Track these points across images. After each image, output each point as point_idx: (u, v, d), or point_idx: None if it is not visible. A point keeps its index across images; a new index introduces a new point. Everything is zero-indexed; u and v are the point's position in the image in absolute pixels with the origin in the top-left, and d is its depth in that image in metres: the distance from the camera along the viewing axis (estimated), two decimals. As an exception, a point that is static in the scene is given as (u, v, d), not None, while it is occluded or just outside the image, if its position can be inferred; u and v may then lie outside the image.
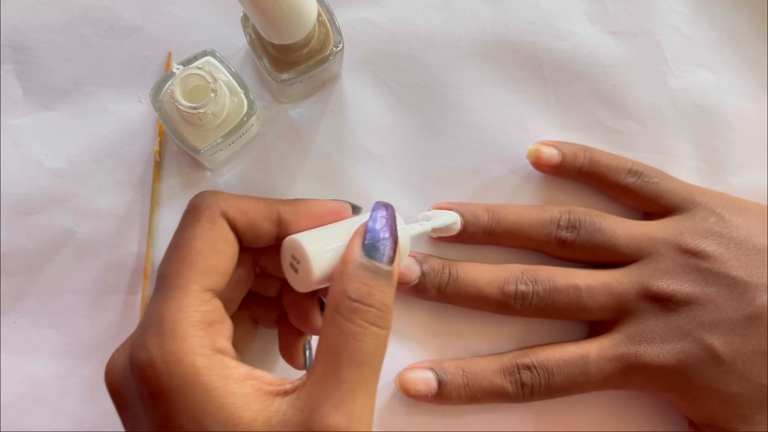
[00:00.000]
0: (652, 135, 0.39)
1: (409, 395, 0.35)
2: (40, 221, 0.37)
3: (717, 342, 0.33)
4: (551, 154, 0.37)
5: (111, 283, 0.37)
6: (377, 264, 0.26)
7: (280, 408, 0.25)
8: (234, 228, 0.29)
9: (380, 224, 0.27)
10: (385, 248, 0.27)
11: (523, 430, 0.37)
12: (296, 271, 0.29)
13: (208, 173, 0.38)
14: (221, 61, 0.34)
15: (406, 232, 0.31)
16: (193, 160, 0.38)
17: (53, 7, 0.39)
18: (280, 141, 0.38)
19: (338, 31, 0.34)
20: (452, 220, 0.36)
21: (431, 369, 0.35)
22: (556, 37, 0.40)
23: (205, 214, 0.28)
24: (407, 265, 0.36)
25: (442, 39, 0.39)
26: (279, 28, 0.31)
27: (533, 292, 0.35)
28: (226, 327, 0.28)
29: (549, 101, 0.40)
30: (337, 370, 0.25)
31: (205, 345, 0.26)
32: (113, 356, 0.28)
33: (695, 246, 0.34)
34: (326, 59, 0.34)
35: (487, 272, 0.36)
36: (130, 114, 0.38)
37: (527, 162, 0.38)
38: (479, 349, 0.37)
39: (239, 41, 0.38)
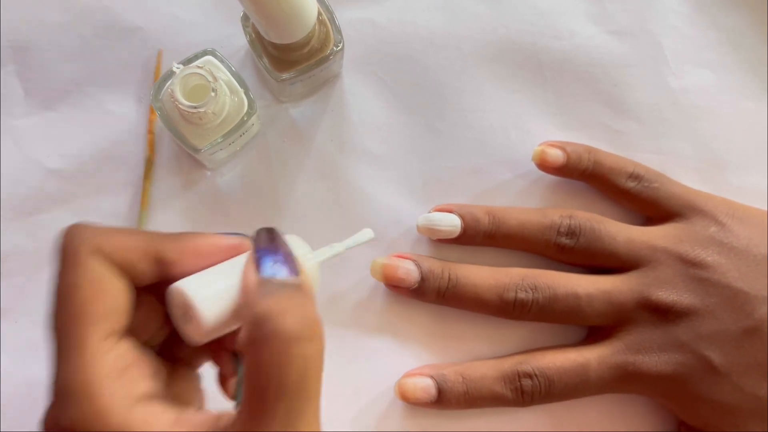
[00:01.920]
0: (652, 135, 0.39)
1: (408, 402, 0.35)
2: (40, 221, 0.37)
3: (714, 354, 0.33)
4: (556, 155, 0.37)
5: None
6: (281, 279, 0.23)
7: None
8: (113, 265, 0.25)
9: (266, 243, 0.25)
10: (282, 261, 0.24)
11: (522, 431, 0.37)
12: (188, 321, 0.25)
13: (208, 173, 0.38)
14: (221, 61, 0.34)
15: (314, 256, 0.28)
16: (193, 160, 0.38)
17: (53, 8, 0.39)
18: (281, 140, 0.38)
19: (338, 31, 0.34)
20: (367, 237, 0.31)
21: (431, 377, 0.35)
22: (557, 38, 0.40)
23: (79, 256, 0.24)
24: (407, 270, 0.36)
25: (442, 39, 0.39)
26: (279, 28, 0.31)
27: (533, 300, 0.35)
28: (146, 365, 0.25)
29: (549, 101, 0.40)
30: (266, 406, 0.22)
31: (121, 397, 0.23)
32: (45, 420, 0.25)
33: (695, 256, 0.34)
34: (326, 59, 0.34)
35: (487, 277, 0.35)
36: (130, 114, 0.38)
37: (528, 162, 0.38)
38: (480, 351, 0.37)
39: (239, 41, 0.38)
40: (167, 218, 0.37)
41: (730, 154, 0.39)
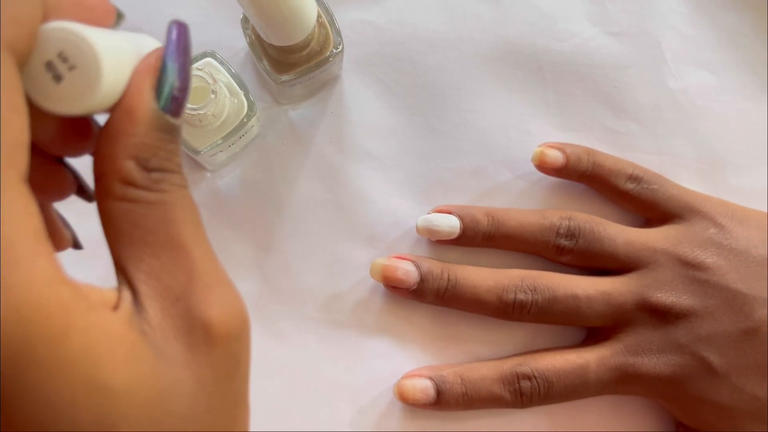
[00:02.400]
0: (652, 136, 0.39)
1: (407, 403, 0.35)
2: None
3: (713, 356, 0.33)
4: (556, 156, 0.37)
5: (111, 283, 0.37)
6: (171, 121, 0.19)
7: (139, 318, 0.18)
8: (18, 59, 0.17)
9: (180, 62, 0.19)
10: (183, 99, 0.19)
11: (522, 431, 0.37)
12: (59, 77, 0.17)
13: (208, 174, 0.38)
14: (221, 63, 0.34)
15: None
16: (192, 161, 0.38)
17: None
18: (280, 142, 0.38)
19: (338, 33, 0.34)
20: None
21: (430, 378, 0.35)
22: (557, 39, 0.40)
23: None
24: (406, 270, 0.36)
25: (442, 40, 0.39)
26: (279, 30, 0.31)
27: (532, 302, 0.35)
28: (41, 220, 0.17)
29: (549, 102, 0.40)
30: (175, 243, 0.18)
31: (56, 269, 0.16)
32: None
33: (695, 257, 0.34)
34: (326, 61, 0.34)
35: (487, 278, 0.35)
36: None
37: (528, 163, 0.38)
38: (479, 352, 0.37)
39: (239, 43, 0.38)
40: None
41: (730, 154, 0.39)
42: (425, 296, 0.36)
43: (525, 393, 0.34)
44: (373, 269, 0.36)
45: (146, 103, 0.19)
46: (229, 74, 0.34)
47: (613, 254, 0.35)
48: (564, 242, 0.36)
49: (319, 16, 0.33)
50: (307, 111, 0.39)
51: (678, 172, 0.39)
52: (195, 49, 0.34)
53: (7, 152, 0.16)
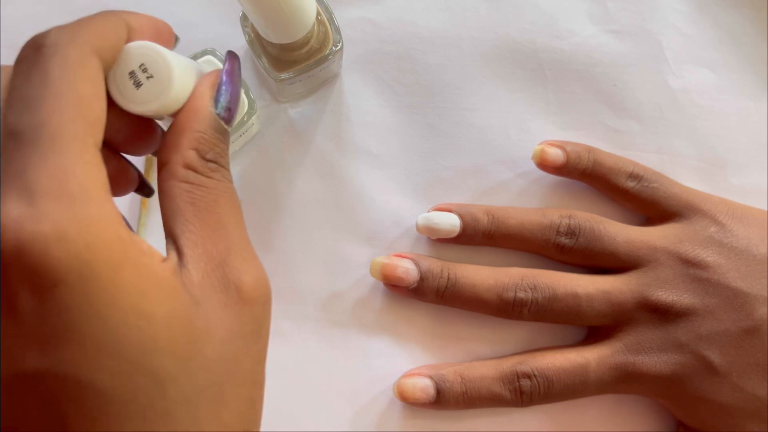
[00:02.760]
0: (652, 134, 0.39)
1: (407, 402, 0.35)
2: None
3: (713, 354, 0.33)
4: (556, 155, 0.37)
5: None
6: (225, 126, 0.24)
7: (183, 274, 0.21)
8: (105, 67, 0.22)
9: (234, 82, 0.25)
10: (234, 110, 0.25)
11: (522, 431, 0.37)
12: (139, 84, 0.23)
13: (208, 173, 0.38)
14: (221, 61, 0.34)
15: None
16: (192, 160, 0.38)
17: (53, 8, 0.39)
18: (280, 140, 0.38)
19: (338, 31, 0.34)
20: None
21: (429, 377, 0.35)
22: (557, 37, 0.40)
23: (76, 54, 0.20)
24: (406, 269, 0.36)
25: (442, 38, 0.39)
26: (278, 28, 0.31)
27: (532, 300, 0.35)
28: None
29: (549, 101, 0.40)
30: (221, 221, 0.22)
31: (119, 215, 0.20)
32: None
33: (695, 256, 0.34)
34: (326, 58, 0.34)
35: (487, 277, 0.35)
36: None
37: (528, 162, 0.38)
38: (479, 351, 0.37)
39: (238, 40, 0.38)
40: (166, 218, 0.37)
41: (731, 153, 0.39)
42: (425, 295, 0.36)
43: (525, 392, 0.34)
44: (373, 268, 0.36)
45: (208, 107, 0.23)
46: (229, 72, 0.34)
47: (614, 252, 0.35)
48: (564, 240, 0.36)
49: (318, 13, 0.33)
50: (307, 109, 0.39)
51: (678, 170, 0.39)
52: (195, 47, 0.34)
53: (89, 125, 0.20)
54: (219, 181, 0.23)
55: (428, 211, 0.37)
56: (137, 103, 0.23)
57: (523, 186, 0.39)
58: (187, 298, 0.20)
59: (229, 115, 0.24)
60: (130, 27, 0.23)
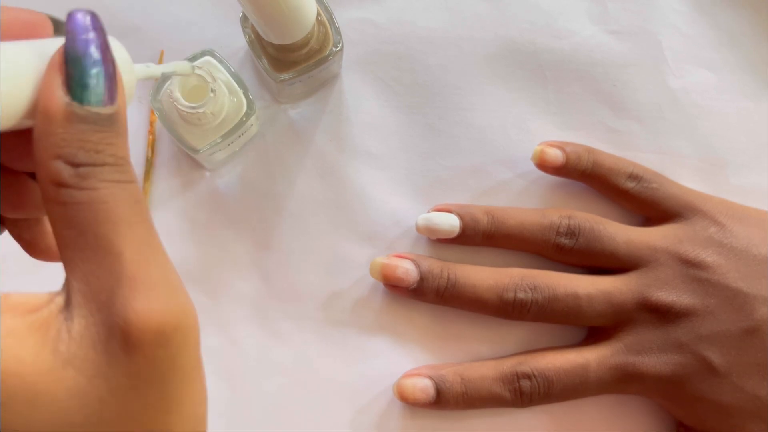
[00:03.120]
0: (652, 135, 0.39)
1: (407, 402, 0.35)
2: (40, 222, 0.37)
3: (713, 354, 0.33)
4: (556, 155, 0.37)
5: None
6: (92, 109, 0.18)
7: (61, 326, 0.18)
8: None
9: (84, 45, 0.18)
10: (100, 82, 0.18)
11: (522, 431, 0.37)
12: None
13: (207, 173, 0.38)
14: (220, 61, 0.34)
15: (129, 64, 0.21)
16: (192, 160, 0.38)
17: (52, 8, 0.39)
18: (280, 141, 0.38)
19: (338, 31, 0.34)
20: (184, 69, 0.28)
21: (429, 377, 0.35)
22: (557, 37, 0.40)
23: None
24: (406, 269, 0.36)
25: (442, 39, 0.39)
26: (278, 28, 0.31)
27: (532, 300, 0.35)
28: None
29: (549, 101, 0.40)
30: (106, 244, 0.18)
31: None
32: None
33: (695, 256, 0.34)
34: (326, 59, 0.34)
35: (487, 277, 0.35)
36: (129, 114, 0.38)
37: (528, 162, 0.38)
38: (479, 351, 0.37)
39: (238, 41, 0.38)
40: (166, 218, 0.37)
41: (731, 153, 0.39)
42: (425, 295, 0.36)
43: (525, 392, 0.34)
44: (373, 268, 0.36)
45: (57, 99, 0.18)
46: (228, 73, 0.34)
47: (614, 253, 0.35)
48: (564, 241, 0.36)
49: (318, 14, 0.33)
50: (307, 110, 0.39)
51: (678, 171, 0.39)
52: (194, 47, 0.34)
53: None
54: (97, 189, 0.18)
55: (428, 212, 0.37)
56: None
57: (523, 186, 0.39)
58: (47, 360, 0.17)
59: (96, 91, 0.18)
60: None
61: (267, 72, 0.34)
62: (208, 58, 0.34)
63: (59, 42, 0.19)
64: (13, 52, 0.18)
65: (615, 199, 0.38)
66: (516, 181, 0.39)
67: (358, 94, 0.39)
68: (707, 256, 0.34)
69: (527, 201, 0.39)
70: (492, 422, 0.37)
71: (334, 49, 0.34)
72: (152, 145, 0.38)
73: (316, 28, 0.33)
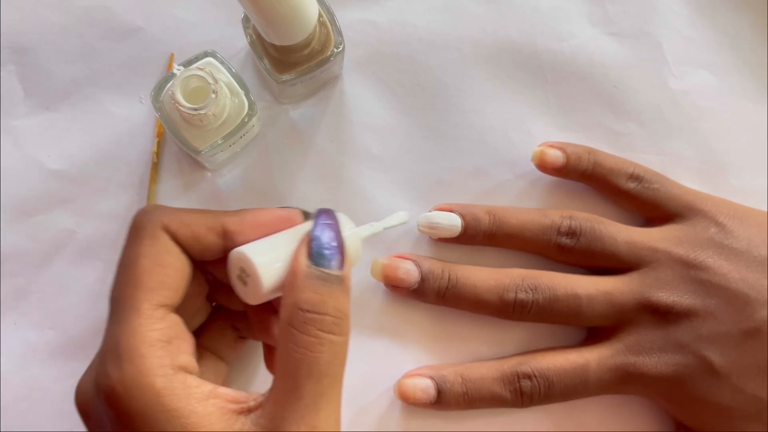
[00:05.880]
0: (652, 136, 0.39)
1: (407, 402, 0.35)
2: (40, 222, 0.37)
3: (714, 355, 0.33)
4: (556, 156, 0.37)
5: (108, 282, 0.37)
6: (326, 271, 0.26)
7: (243, 427, 0.25)
8: (178, 242, 0.28)
9: (323, 230, 0.27)
10: (333, 254, 0.27)
11: (522, 431, 0.37)
12: (245, 283, 0.28)
13: (209, 174, 0.38)
14: (222, 62, 0.34)
15: (356, 235, 0.30)
16: (193, 161, 0.38)
17: (54, 9, 0.39)
18: (281, 142, 0.38)
19: (339, 32, 0.34)
20: (402, 219, 0.34)
21: (430, 377, 0.35)
22: (557, 39, 0.40)
23: (147, 230, 0.27)
24: (407, 270, 0.36)
25: (443, 40, 0.39)
26: (280, 29, 0.31)
27: (533, 301, 0.35)
28: (188, 342, 0.27)
29: (550, 103, 0.40)
30: (296, 384, 0.25)
31: (164, 365, 0.25)
32: (81, 381, 0.28)
33: (696, 257, 0.34)
34: (327, 60, 0.34)
35: (487, 277, 0.35)
36: (131, 115, 0.38)
37: (528, 163, 0.38)
38: (479, 351, 0.37)
39: (240, 42, 0.38)
40: (167, 219, 0.37)
41: (731, 155, 0.39)
42: (426, 296, 0.36)
43: (525, 392, 0.34)
44: (374, 268, 0.36)
45: (302, 263, 0.26)
46: (230, 74, 0.34)
47: (614, 253, 0.35)
48: (565, 241, 0.36)
49: (320, 15, 0.33)
50: (308, 110, 0.39)
51: (679, 172, 0.39)
52: (196, 48, 0.35)
53: (147, 292, 0.26)
54: (312, 337, 0.25)
55: (429, 211, 0.37)
56: (249, 297, 0.28)
57: (524, 187, 0.39)
58: None
59: (328, 259, 0.26)
60: (227, 229, 0.28)
61: (268, 73, 0.34)
62: (209, 59, 0.34)
63: (308, 226, 0.28)
64: (279, 244, 0.28)
65: (616, 200, 0.38)
66: (516, 182, 0.39)
67: (359, 95, 0.39)
68: (708, 257, 0.34)
69: (528, 202, 0.39)
70: (492, 422, 0.37)
71: (335, 50, 0.34)
72: (158, 148, 0.38)
73: (317, 29, 0.33)
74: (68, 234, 0.37)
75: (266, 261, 0.27)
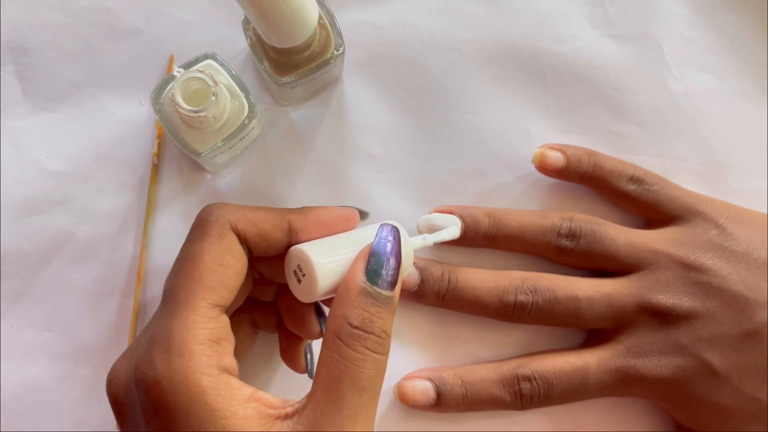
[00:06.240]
0: (653, 138, 0.39)
1: (407, 404, 0.35)
2: (39, 223, 0.37)
3: (714, 357, 0.33)
4: (556, 158, 0.37)
5: (110, 285, 0.37)
6: (379, 290, 0.27)
7: (280, 425, 0.25)
8: (244, 240, 0.28)
9: (384, 248, 0.27)
10: (388, 274, 0.27)
11: (521, 431, 0.37)
12: (299, 281, 0.28)
13: (209, 176, 0.38)
14: (222, 64, 0.34)
15: (408, 247, 0.31)
16: (193, 163, 0.38)
17: (54, 9, 0.39)
18: (281, 144, 0.38)
19: (339, 34, 0.34)
20: (454, 234, 0.35)
21: (430, 379, 0.35)
22: (558, 41, 0.40)
23: (214, 228, 0.28)
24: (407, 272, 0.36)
25: (443, 42, 0.39)
26: (280, 32, 0.31)
27: (533, 303, 0.35)
28: (232, 343, 0.28)
29: (550, 104, 0.40)
30: (338, 395, 0.25)
31: (212, 364, 0.25)
32: (115, 367, 0.28)
33: (695, 259, 0.34)
34: (327, 62, 0.34)
35: (487, 280, 0.35)
36: (130, 116, 0.38)
37: (528, 165, 0.38)
38: (480, 353, 0.37)
39: (240, 44, 0.38)
40: (168, 220, 0.37)
41: (731, 157, 0.39)
42: (426, 298, 0.36)
43: (525, 395, 0.34)
44: (374, 271, 0.36)
45: (358, 278, 0.27)
46: (230, 76, 0.34)
47: (614, 255, 0.35)
48: (565, 243, 0.36)
49: (320, 17, 0.33)
50: (308, 112, 0.39)
51: (679, 174, 0.39)
52: (196, 50, 0.34)
53: (205, 290, 0.26)
54: (357, 353, 0.26)
55: (429, 213, 0.37)
56: (301, 295, 0.29)
57: (524, 189, 0.39)
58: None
59: (384, 280, 0.27)
60: (292, 226, 0.29)
61: (268, 75, 0.34)
62: (209, 61, 0.34)
63: (370, 234, 0.28)
64: (337, 246, 0.29)
65: (616, 202, 0.38)
66: (516, 184, 0.39)
67: (359, 97, 0.39)
68: (708, 259, 0.34)
69: (528, 204, 0.39)
70: (492, 424, 0.37)
71: (335, 52, 0.34)
72: (159, 150, 0.38)
73: (317, 32, 0.33)
74: (67, 235, 0.37)
75: (325, 263, 0.28)
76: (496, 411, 0.36)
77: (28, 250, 0.37)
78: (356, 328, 0.26)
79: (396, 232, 0.28)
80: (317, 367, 0.26)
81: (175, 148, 0.38)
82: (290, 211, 0.30)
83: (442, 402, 0.35)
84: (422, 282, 0.36)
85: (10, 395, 0.36)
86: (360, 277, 0.27)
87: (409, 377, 0.36)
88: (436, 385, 0.35)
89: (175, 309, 0.26)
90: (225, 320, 0.27)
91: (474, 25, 0.40)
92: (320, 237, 0.29)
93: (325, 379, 0.26)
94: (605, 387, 0.34)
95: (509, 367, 0.35)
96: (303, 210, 0.30)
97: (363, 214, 0.31)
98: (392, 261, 0.27)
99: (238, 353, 0.33)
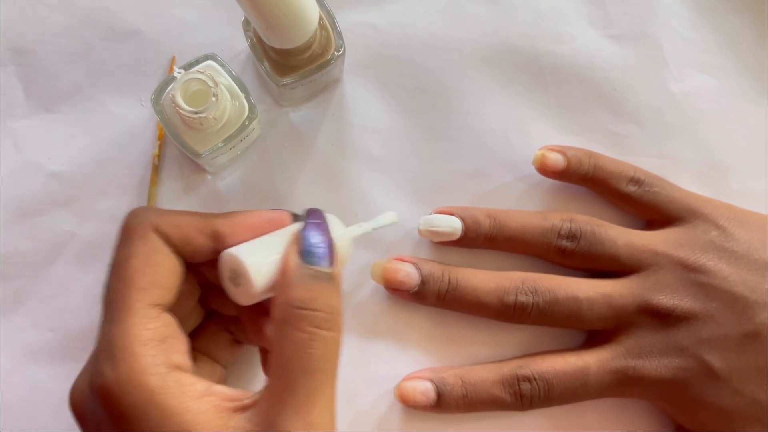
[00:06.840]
0: (653, 139, 0.39)
1: (407, 405, 0.35)
2: (41, 224, 0.37)
3: (714, 358, 0.33)
4: (557, 159, 0.37)
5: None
6: (317, 268, 0.27)
7: (238, 424, 0.25)
8: (168, 243, 0.28)
9: (313, 229, 0.28)
10: (323, 251, 0.27)
11: (522, 431, 0.37)
12: (237, 285, 0.28)
13: (209, 177, 0.38)
14: (222, 65, 0.34)
15: (345, 234, 0.31)
16: (194, 164, 0.38)
17: (55, 10, 0.39)
18: (281, 145, 0.38)
19: (339, 35, 0.34)
20: (390, 220, 0.34)
21: (430, 380, 0.35)
22: (557, 41, 0.40)
23: (137, 231, 0.28)
24: (407, 273, 0.36)
25: (443, 42, 0.39)
26: (280, 33, 0.31)
27: (533, 304, 0.35)
28: (181, 341, 0.27)
29: (550, 105, 0.40)
30: (290, 381, 0.25)
31: (158, 363, 0.25)
32: (75, 382, 0.28)
33: (696, 260, 0.34)
34: (327, 63, 0.34)
35: (488, 280, 0.35)
36: (131, 117, 0.38)
37: (529, 166, 0.38)
38: (480, 354, 0.37)
39: (240, 45, 0.38)
40: (168, 221, 0.37)
41: (732, 157, 0.39)
42: (426, 298, 0.36)
43: (525, 395, 0.34)
44: (374, 271, 0.36)
45: (293, 262, 0.27)
46: (230, 77, 0.34)
47: (614, 256, 0.35)
48: (565, 243, 0.36)
49: (320, 18, 0.33)
50: (308, 113, 0.39)
51: (679, 175, 0.39)
52: (197, 51, 0.35)
53: (139, 291, 0.26)
54: (304, 333, 0.25)
55: (430, 214, 0.37)
56: (241, 299, 0.28)
57: (524, 190, 0.39)
58: None
59: (318, 256, 0.27)
60: (219, 231, 0.29)
61: (269, 76, 0.34)
62: (210, 62, 0.34)
63: (298, 226, 0.28)
64: (268, 244, 0.28)
65: (616, 203, 0.38)
66: (517, 185, 0.39)
67: (359, 98, 0.39)
68: (708, 260, 0.34)
69: (528, 205, 0.39)
70: (492, 425, 0.37)
71: (336, 53, 0.34)
72: (159, 151, 0.38)
73: (318, 33, 0.33)
74: (68, 236, 0.37)
75: (257, 261, 0.27)
76: (497, 411, 0.36)
77: (29, 250, 0.37)
78: (299, 308, 0.26)
79: (321, 213, 0.29)
80: (270, 358, 0.26)
81: (175, 149, 0.38)
82: (217, 215, 0.29)
83: (443, 402, 0.35)
84: (422, 282, 0.36)
85: (11, 395, 0.37)
86: (294, 260, 0.27)
87: (409, 378, 0.36)
88: (437, 386, 0.35)
89: (114, 315, 0.26)
90: (168, 318, 0.27)
91: (474, 25, 0.40)
92: (249, 240, 0.29)
93: (276, 366, 0.25)
94: (605, 388, 0.34)
95: (509, 368, 0.35)
96: (230, 215, 0.30)
97: (296, 217, 0.31)
98: (323, 239, 0.27)
99: (220, 363, 0.33)
